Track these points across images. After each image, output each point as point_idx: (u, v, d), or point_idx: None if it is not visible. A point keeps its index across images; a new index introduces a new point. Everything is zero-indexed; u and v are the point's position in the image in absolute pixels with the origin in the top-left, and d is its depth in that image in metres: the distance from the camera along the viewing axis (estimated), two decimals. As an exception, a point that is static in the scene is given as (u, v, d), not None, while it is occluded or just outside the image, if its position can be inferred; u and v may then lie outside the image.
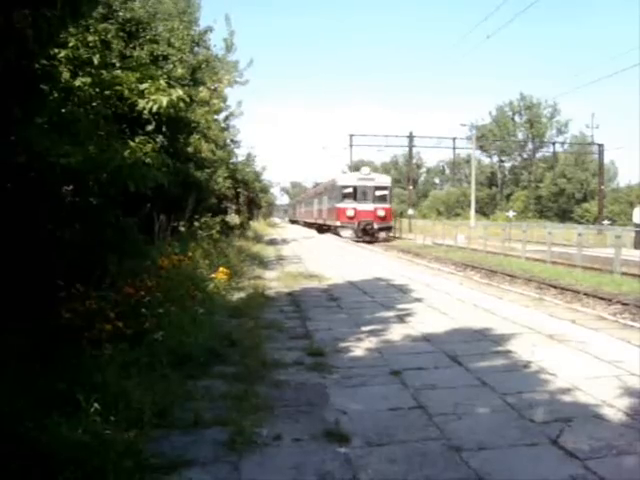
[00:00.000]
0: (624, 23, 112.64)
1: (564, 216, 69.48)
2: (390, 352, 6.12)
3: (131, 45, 10.58)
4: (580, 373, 5.25)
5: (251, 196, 36.62)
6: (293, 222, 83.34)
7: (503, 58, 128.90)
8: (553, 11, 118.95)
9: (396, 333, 7.04)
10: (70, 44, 6.74)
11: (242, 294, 9.78)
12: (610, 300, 12.85)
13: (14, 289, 5.02)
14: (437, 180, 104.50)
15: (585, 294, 13.83)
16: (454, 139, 57.01)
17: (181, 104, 7.13)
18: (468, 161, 67.52)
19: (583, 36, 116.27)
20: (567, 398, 4.61)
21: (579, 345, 6.36)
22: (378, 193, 36.78)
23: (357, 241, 32.74)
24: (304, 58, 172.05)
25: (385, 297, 10.14)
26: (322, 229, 44.19)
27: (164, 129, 9.90)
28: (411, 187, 60.09)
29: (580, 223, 51.89)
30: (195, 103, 12.52)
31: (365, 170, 39.51)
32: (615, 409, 4.32)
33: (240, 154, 28.65)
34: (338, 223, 36.48)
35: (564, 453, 3.58)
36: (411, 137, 53.95)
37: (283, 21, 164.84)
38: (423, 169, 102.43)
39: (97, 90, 6.98)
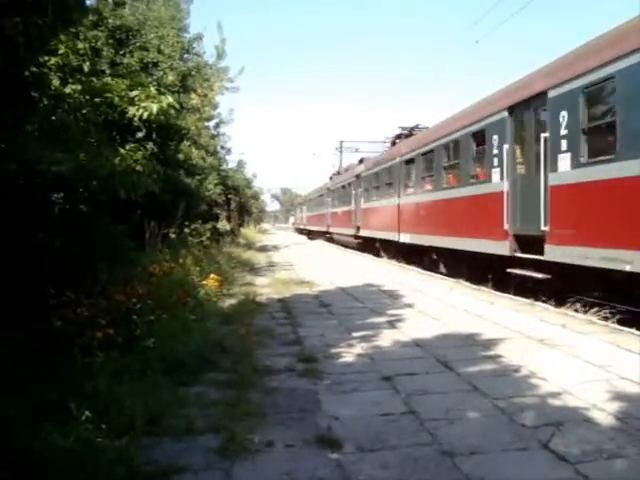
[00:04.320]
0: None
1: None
2: (381, 358, 6.13)
3: (121, 52, 10.61)
4: (570, 377, 5.27)
5: (242, 202, 36.61)
6: (303, 232, 57.17)
7: (495, 59, 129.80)
8: (548, 9, 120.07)
9: (387, 339, 7.04)
10: (60, 51, 6.75)
11: (233, 301, 9.76)
12: (600, 305, 12.92)
13: (4, 297, 4.99)
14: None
15: (575, 299, 13.90)
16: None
17: (171, 111, 7.16)
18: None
19: (578, 33, 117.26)
20: (558, 402, 4.62)
21: (569, 349, 6.39)
22: None
23: None
24: (294, 60, 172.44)
25: (376, 303, 10.14)
26: None
27: (154, 136, 9.93)
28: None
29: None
30: (185, 110, 12.56)
31: None
32: (605, 413, 4.34)
33: (231, 160, 28.76)
34: None
35: (555, 457, 3.58)
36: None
37: (273, 24, 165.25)
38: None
39: (87, 97, 6.99)
